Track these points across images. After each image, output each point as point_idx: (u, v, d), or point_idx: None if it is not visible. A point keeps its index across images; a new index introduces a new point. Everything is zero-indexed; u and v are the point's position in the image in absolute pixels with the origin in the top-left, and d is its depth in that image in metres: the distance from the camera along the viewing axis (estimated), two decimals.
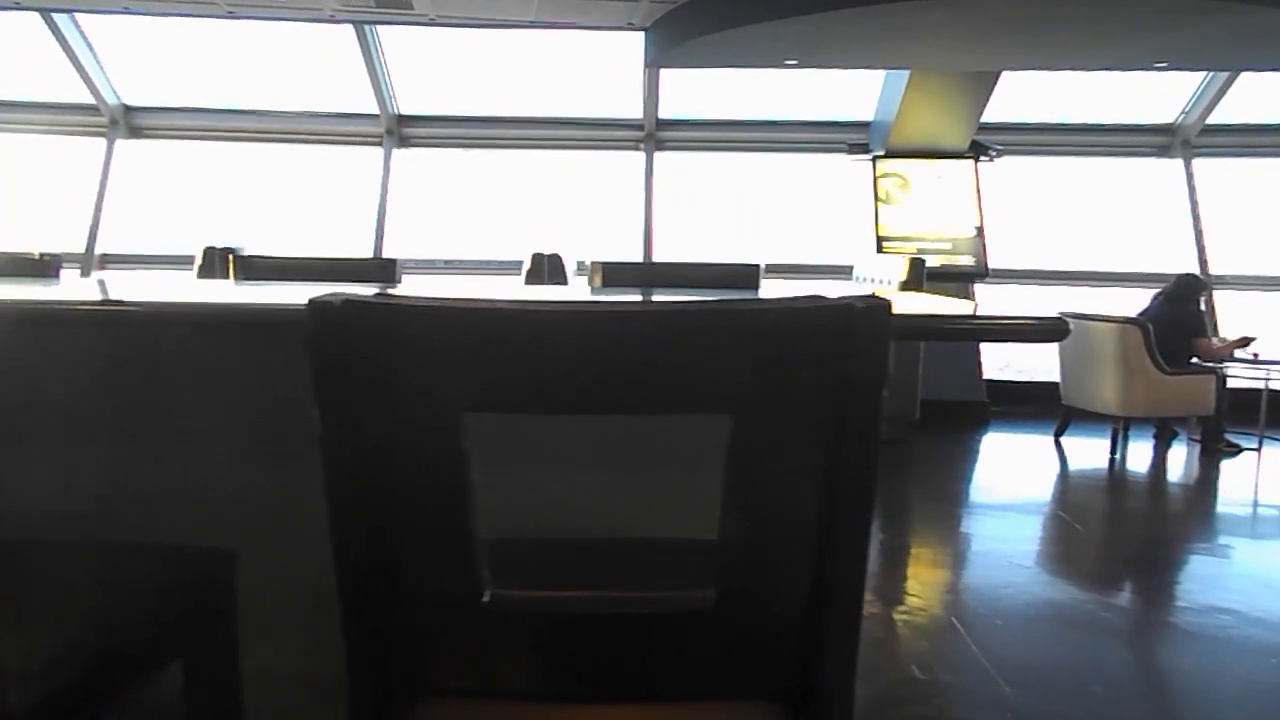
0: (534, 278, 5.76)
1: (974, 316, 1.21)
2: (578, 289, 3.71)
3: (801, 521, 0.85)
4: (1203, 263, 7.64)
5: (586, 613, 0.87)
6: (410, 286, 2.66)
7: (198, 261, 5.85)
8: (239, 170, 8.26)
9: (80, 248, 7.54)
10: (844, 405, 0.82)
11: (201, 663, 1.31)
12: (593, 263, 2.58)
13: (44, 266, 2.44)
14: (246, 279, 2.66)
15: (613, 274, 2.60)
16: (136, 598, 1.16)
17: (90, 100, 7.65)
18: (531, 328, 0.79)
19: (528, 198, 8.43)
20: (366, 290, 0.79)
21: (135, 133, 7.93)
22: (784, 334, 0.81)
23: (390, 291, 0.79)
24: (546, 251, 5.80)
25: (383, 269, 2.61)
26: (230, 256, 2.55)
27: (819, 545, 0.86)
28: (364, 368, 0.80)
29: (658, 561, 1.09)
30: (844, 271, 6.92)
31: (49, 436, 1.51)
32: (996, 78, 6.78)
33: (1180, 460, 6.22)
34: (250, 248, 4.98)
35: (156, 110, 7.95)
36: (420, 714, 0.88)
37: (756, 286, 2.56)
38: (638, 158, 7.98)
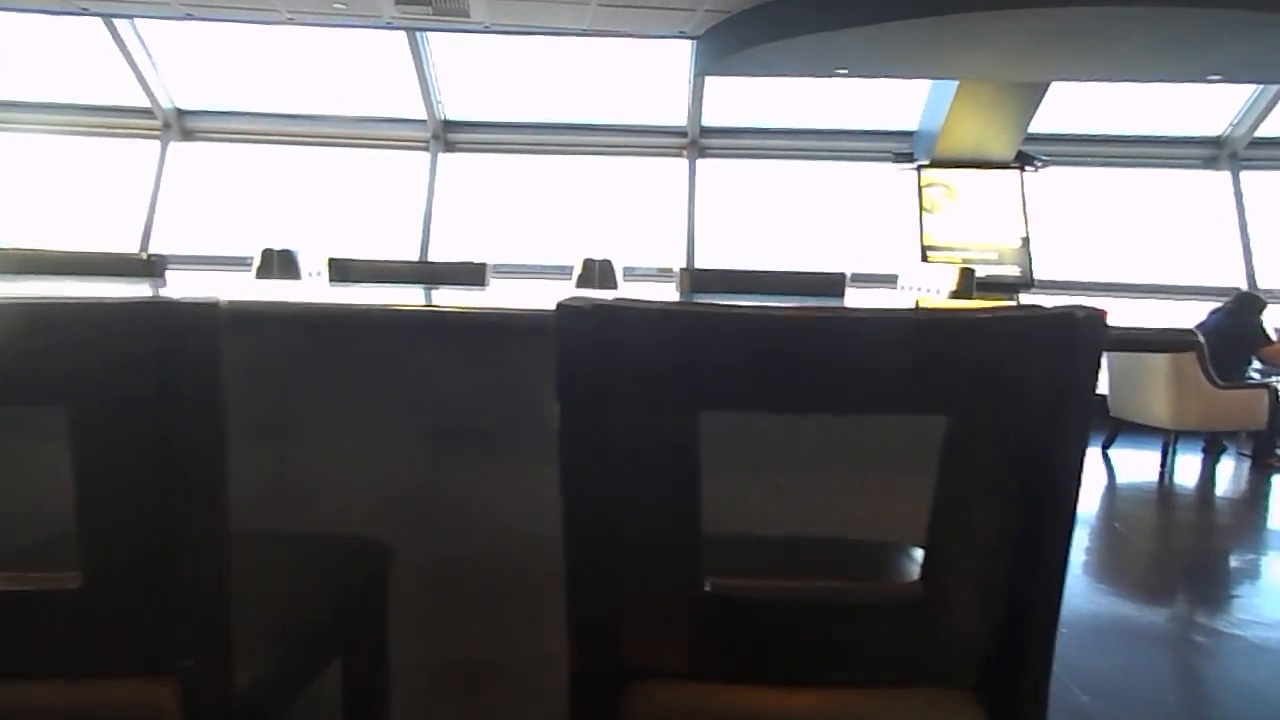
0: (585, 282, 5.82)
1: (1120, 328, 1.24)
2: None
3: (1009, 522, 0.89)
4: (1250, 275, 7.58)
5: (794, 603, 0.91)
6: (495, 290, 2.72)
7: (256, 263, 5.95)
8: (287, 173, 8.38)
9: (134, 249, 7.67)
10: (1057, 412, 0.86)
11: (360, 651, 1.36)
12: (680, 269, 2.63)
13: (151, 267, 2.53)
14: (341, 281, 2.73)
15: (699, 280, 2.65)
16: (318, 587, 1.21)
17: (145, 104, 7.80)
18: (770, 332, 0.84)
19: (570, 203, 8.50)
20: (606, 295, 0.84)
21: (188, 136, 8.08)
22: (1007, 341, 0.85)
23: (629, 296, 0.84)
24: (598, 257, 5.87)
25: (474, 272, 2.66)
26: (338, 262, 2.61)
27: (1024, 546, 0.89)
28: (607, 367, 0.84)
29: (868, 557, 1.13)
30: (889, 280, 6.93)
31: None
32: (1045, 88, 6.78)
33: (1231, 474, 6.17)
34: (304, 250, 5.10)
35: (208, 114, 8.09)
36: (634, 694, 0.92)
37: (842, 294, 2.60)
38: (681, 164, 8.03)
